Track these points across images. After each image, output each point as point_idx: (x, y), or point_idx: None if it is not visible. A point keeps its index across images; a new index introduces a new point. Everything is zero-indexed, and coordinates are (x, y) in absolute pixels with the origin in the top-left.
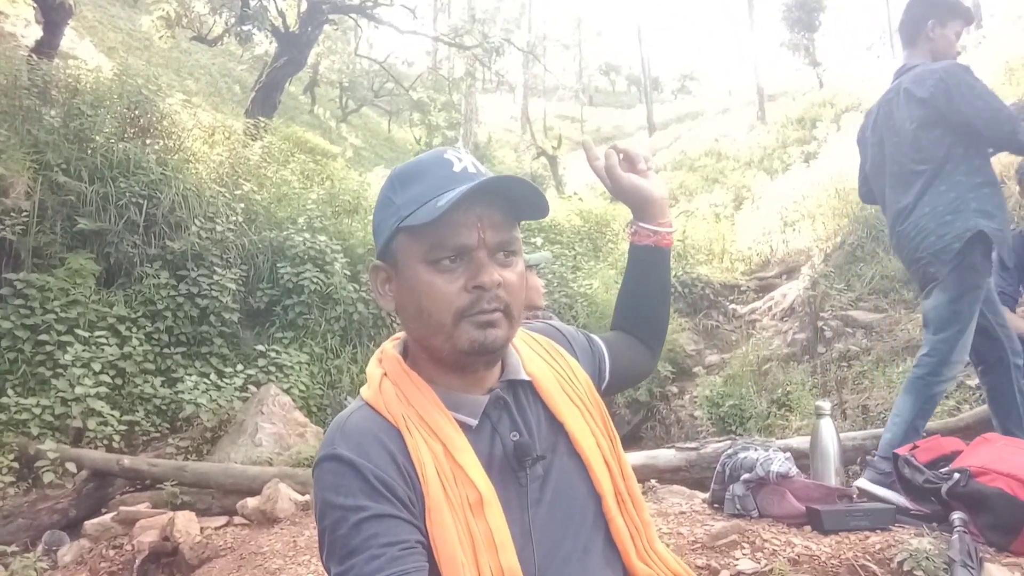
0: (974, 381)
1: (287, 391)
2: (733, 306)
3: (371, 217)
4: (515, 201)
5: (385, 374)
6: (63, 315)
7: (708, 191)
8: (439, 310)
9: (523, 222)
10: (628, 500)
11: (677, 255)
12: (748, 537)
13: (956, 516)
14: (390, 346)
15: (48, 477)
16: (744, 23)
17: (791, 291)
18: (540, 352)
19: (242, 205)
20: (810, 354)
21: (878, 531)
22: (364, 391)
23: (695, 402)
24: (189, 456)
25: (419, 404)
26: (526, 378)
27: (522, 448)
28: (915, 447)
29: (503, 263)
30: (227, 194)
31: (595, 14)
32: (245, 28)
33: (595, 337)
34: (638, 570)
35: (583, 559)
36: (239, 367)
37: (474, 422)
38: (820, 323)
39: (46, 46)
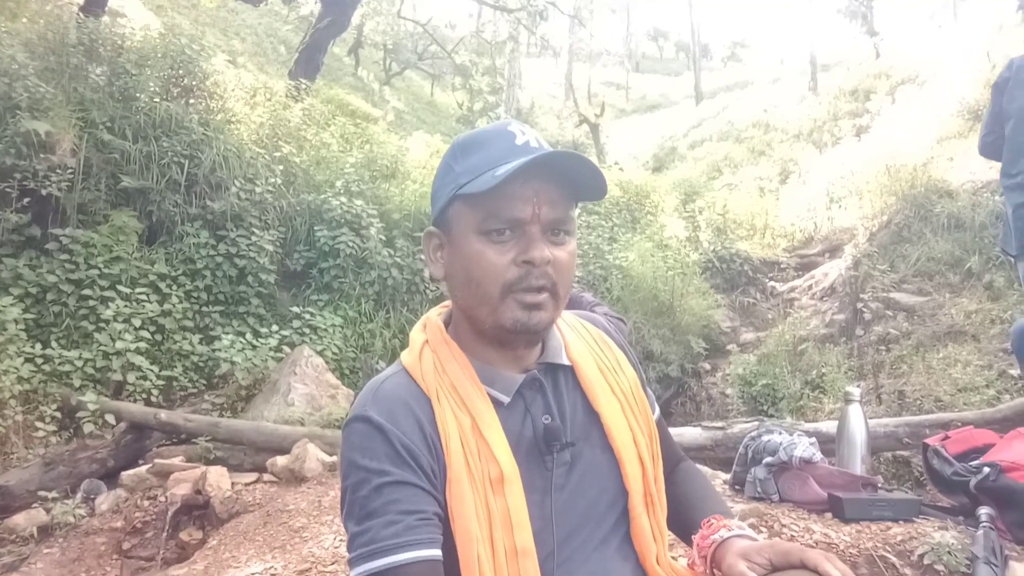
0: (1017, 370)
1: (320, 353)
2: (772, 283)
3: (408, 183)
4: (574, 180)
5: (427, 341)
6: (106, 271)
7: (754, 164)
8: (487, 281)
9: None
10: (657, 503)
11: (716, 229)
12: (767, 521)
13: (983, 511)
14: (435, 314)
15: (88, 428)
16: None
17: (832, 270)
18: (587, 340)
19: (281, 167)
20: (848, 336)
21: (901, 522)
22: (404, 356)
23: (727, 380)
24: (224, 413)
25: (454, 374)
26: (567, 363)
27: (552, 432)
28: (946, 437)
29: (555, 241)
30: (267, 156)
31: None
32: None
33: (655, 401)
34: (656, 573)
35: (600, 548)
36: (274, 327)
37: (506, 399)
38: (860, 304)
39: (95, 4)
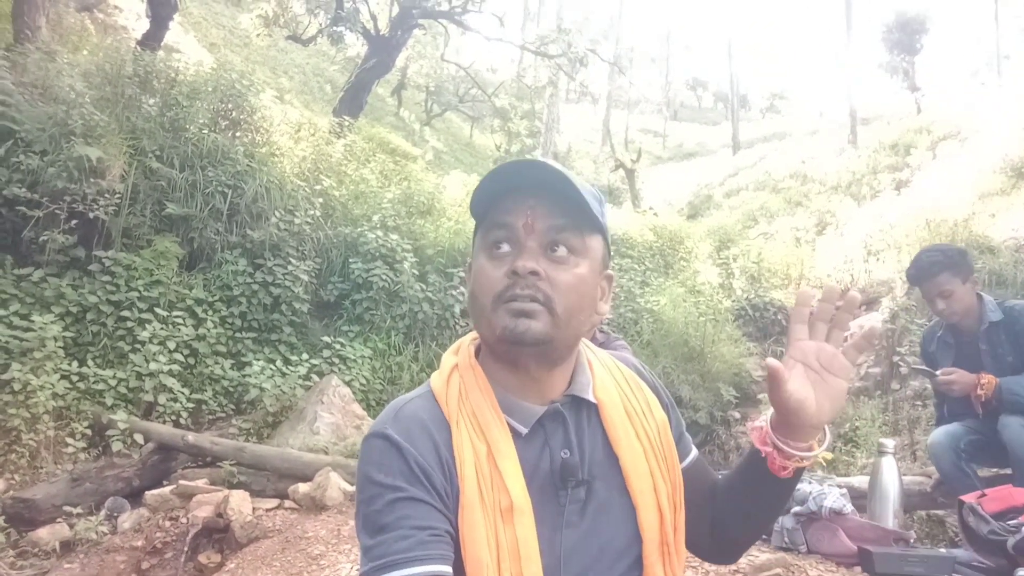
0: None
1: (348, 383)
2: None
3: (443, 220)
4: (582, 206)
5: (456, 365)
6: (145, 294)
7: (790, 214)
8: (483, 293)
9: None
10: (673, 553)
11: (751, 277)
12: (793, 572)
13: (1022, 573)
14: (469, 339)
15: (117, 446)
16: (841, 43)
17: (869, 323)
18: (618, 379)
19: (320, 200)
20: (883, 390)
21: None
22: (434, 378)
23: None
24: (250, 438)
25: (475, 401)
26: (592, 399)
27: (568, 467)
28: (983, 495)
29: (554, 259)
30: (307, 188)
31: (685, 28)
32: (337, 29)
33: (690, 442)
34: None
35: None
36: (304, 356)
37: (524, 430)
38: (896, 358)
39: (151, 39)
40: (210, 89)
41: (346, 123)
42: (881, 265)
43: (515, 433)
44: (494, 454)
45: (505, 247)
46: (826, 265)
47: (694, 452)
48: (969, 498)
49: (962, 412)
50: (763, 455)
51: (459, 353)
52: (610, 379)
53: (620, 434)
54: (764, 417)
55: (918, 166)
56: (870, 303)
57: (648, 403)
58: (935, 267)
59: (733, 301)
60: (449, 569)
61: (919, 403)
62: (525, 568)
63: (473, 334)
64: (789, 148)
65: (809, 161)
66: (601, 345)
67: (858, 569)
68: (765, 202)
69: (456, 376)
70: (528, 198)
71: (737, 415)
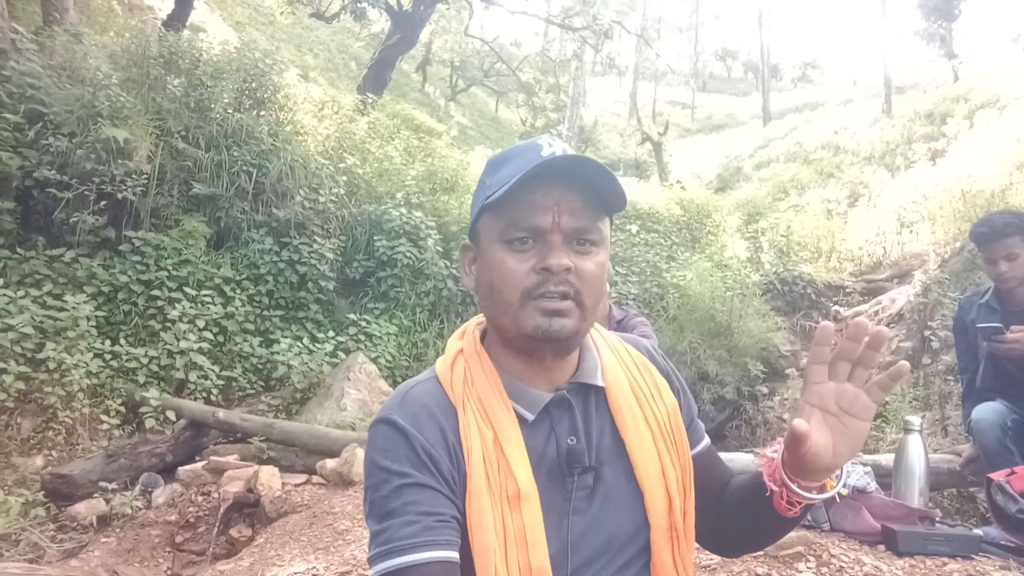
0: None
1: (374, 360)
2: (836, 308)
3: (467, 196)
4: (600, 191)
5: (461, 350)
6: (175, 273)
7: (822, 186)
8: (507, 289)
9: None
10: (682, 538)
11: (779, 251)
12: (815, 550)
13: None
14: (474, 323)
15: (150, 423)
16: (875, 9)
17: (901, 296)
18: (627, 363)
19: (345, 178)
20: (914, 364)
21: (958, 559)
22: (439, 363)
23: (785, 404)
24: (279, 414)
25: (481, 387)
26: (600, 384)
27: (574, 454)
28: (1012, 473)
29: (579, 251)
30: (331, 167)
31: None
32: (360, 5)
33: (703, 430)
34: None
35: None
36: (331, 333)
37: (531, 416)
38: (928, 332)
39: (176, 19)
40: (234, 69)
41: (370, 100)
42: (915, 237)
43: (521, 420)
44: (500, 441)
45: (529, 242)
46: (858, 238)
47: (706, 441)
48: (998, 476)
49: (1000, 387)
50: (768, 492)
51: (464, 338)
52: (617, 362)
53: (627, 419)
54: (777, 446)
55: (954, 135)
56: (902, 276)
57: (657, 386)
58: (1009, 228)
59: (761, 275)
60: (456, 554)
61: (950, 378)
62: (532, 554)
63: (478, 318)
64: (821, 118)
65: (842, 131)
66: (619, 322)
67: (882, 547)
68: (796, 174)
69: (461, 361)
70: (552, 190)
71: (765, 390)
